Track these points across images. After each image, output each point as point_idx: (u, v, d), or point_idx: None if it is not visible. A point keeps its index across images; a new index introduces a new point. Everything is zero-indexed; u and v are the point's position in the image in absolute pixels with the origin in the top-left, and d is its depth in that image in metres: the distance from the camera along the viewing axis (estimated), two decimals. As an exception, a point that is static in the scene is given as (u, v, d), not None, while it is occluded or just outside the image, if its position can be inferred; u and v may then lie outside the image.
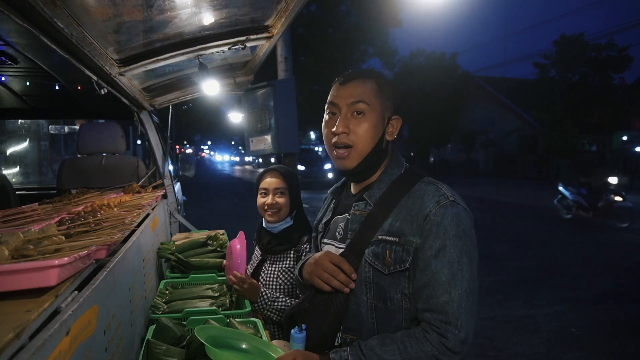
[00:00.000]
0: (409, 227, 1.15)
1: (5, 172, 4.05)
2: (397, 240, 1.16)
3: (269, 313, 1.84)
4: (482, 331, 4.22)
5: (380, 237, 1.18)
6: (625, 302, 5.14)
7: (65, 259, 0.85)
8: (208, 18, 1.91)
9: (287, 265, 1.96)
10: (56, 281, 0.82)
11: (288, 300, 1.87)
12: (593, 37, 20.02)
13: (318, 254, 1.27)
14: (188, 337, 1.46)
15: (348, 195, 1.36)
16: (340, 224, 1.32)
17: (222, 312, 1.74)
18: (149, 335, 1.49)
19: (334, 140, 1.23)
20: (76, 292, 0.93)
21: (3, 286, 0.78)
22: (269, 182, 1.99)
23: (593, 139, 20.18)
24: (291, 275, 1.95)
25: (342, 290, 1.20)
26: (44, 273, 0.81)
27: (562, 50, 19.61)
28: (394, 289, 1.16)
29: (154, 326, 1.56)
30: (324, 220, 1.43)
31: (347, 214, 1.31)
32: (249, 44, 2.20)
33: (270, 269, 2.00)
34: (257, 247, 2.13)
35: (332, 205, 1.43)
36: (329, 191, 1.49)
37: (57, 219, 1.40)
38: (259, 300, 1.83)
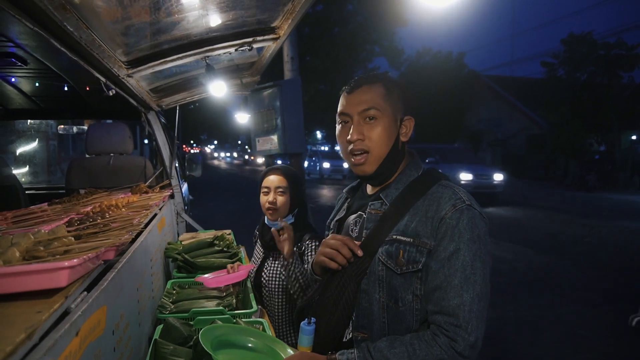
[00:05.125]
0: (424, 228, 1.16)
1: (15, 171, 4.09)
2: (412, 241, 1.16)
3: (298, 274, 1.80)
4: (489, 332, 4.19)
5: (394, 236, 1.19)
6: (633, 303, 5.09)
7: (75, 260, 0.86)
8: (215, 20, 1.92)
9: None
10: (66, 282, 0.83)
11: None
12: (602, 35, 19.77)
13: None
14: (195, 337, 1.47)
15: (363, 195, 1.37)
16: (354, 222, 1.33)
17: (228, 312, 1.75)
18: (156, 335, 1.50)
19: (350, 148, 1.24)
20: (85, 292, 0.94)
21: (15, 287, 0.79)
22: (272, 180, 2.01)
23: (601, 139, 19.96)
24: None
25: (345, 264, 1.21)
26: (55, 274, 0.82)
27: (571, 49, 19.41)
28: (406, 289, 1.16)
29: (161, 326, 1.57)
30: (337, 218, 1.44)
31: (362, 213, 1.31)
32: (255, 46, 2.21)
33: (272, 265, 2.03)
34: (259, 245, 2.15)
35: (346, 204, 1.44)
36: (344, 190, 1.50)
37: (66, 220, 1.42)
38: (294, 255, 1.81)
